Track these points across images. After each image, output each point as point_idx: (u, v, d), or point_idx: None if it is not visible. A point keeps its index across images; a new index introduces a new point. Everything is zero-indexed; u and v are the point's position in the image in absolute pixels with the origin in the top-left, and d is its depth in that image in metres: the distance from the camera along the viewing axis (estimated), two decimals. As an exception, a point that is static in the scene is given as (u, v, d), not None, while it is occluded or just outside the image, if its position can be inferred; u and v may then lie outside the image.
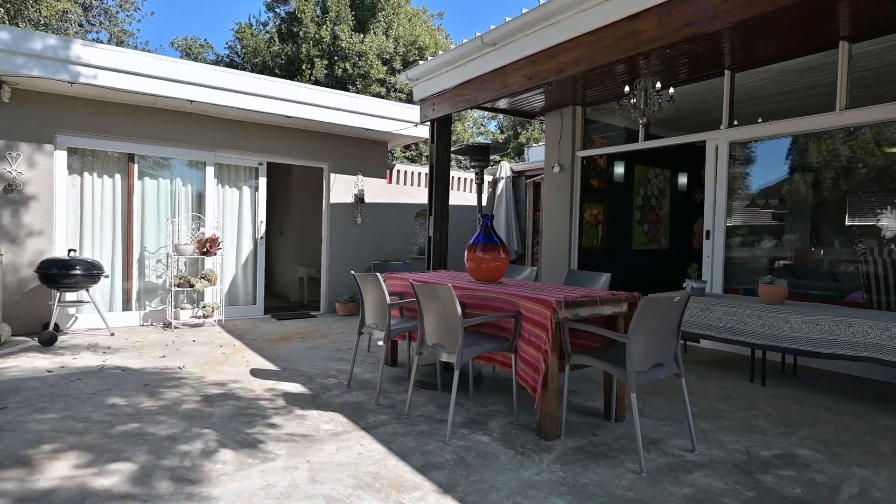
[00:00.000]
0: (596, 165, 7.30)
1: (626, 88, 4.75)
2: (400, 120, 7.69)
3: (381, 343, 3.81)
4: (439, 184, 6.22)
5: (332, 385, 4.10)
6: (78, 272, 5.43)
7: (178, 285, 6.30)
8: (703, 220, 5.64)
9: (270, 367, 4.63)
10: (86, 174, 6.22)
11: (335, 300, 7.78)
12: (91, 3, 14.31)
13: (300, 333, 6.19)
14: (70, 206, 6.12)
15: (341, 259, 7.97)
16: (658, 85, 4.64)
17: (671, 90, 4.82)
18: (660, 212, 8.34)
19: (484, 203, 9.74)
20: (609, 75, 5.53)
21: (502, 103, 6.76)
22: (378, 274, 3.72)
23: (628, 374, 2.69)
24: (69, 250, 5.64)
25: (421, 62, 6.27)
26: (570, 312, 3.04)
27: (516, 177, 9.72)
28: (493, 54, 5.11)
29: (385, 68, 15.61)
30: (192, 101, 6.18)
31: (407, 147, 17.53)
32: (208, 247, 6.43)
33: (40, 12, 11.51)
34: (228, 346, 5.43)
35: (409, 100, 11.65)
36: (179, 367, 4.51)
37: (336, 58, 15.25)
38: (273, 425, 3.21)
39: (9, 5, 11.00)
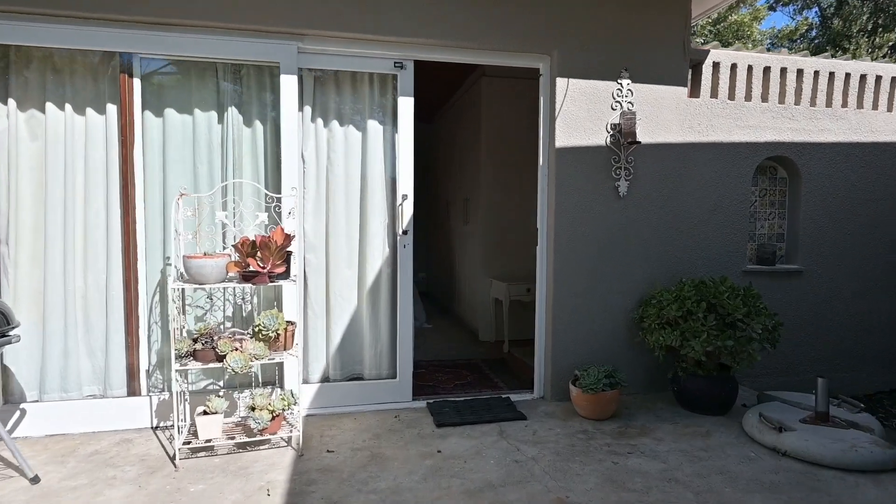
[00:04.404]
0: None
1: None
2: None
3: None
4: None
5: None
6: (-87, 337, 2.05)
7: (189, 354, 2.57)
8: None
9: None
10: (32, 108, 2.91)
11: (568, 371, 3.36)
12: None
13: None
14: (14, 171, 2.89)
15: (580, 275, 3.48)
16: None
17: None
18: None
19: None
20: None
21: None
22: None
23: None
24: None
25: None
26: None
27: None
28: None
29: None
30: None
31: (714, 24, 11.79)
32: (260, 260, 2.58)
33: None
34: None
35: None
36: None
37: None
38: None
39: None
